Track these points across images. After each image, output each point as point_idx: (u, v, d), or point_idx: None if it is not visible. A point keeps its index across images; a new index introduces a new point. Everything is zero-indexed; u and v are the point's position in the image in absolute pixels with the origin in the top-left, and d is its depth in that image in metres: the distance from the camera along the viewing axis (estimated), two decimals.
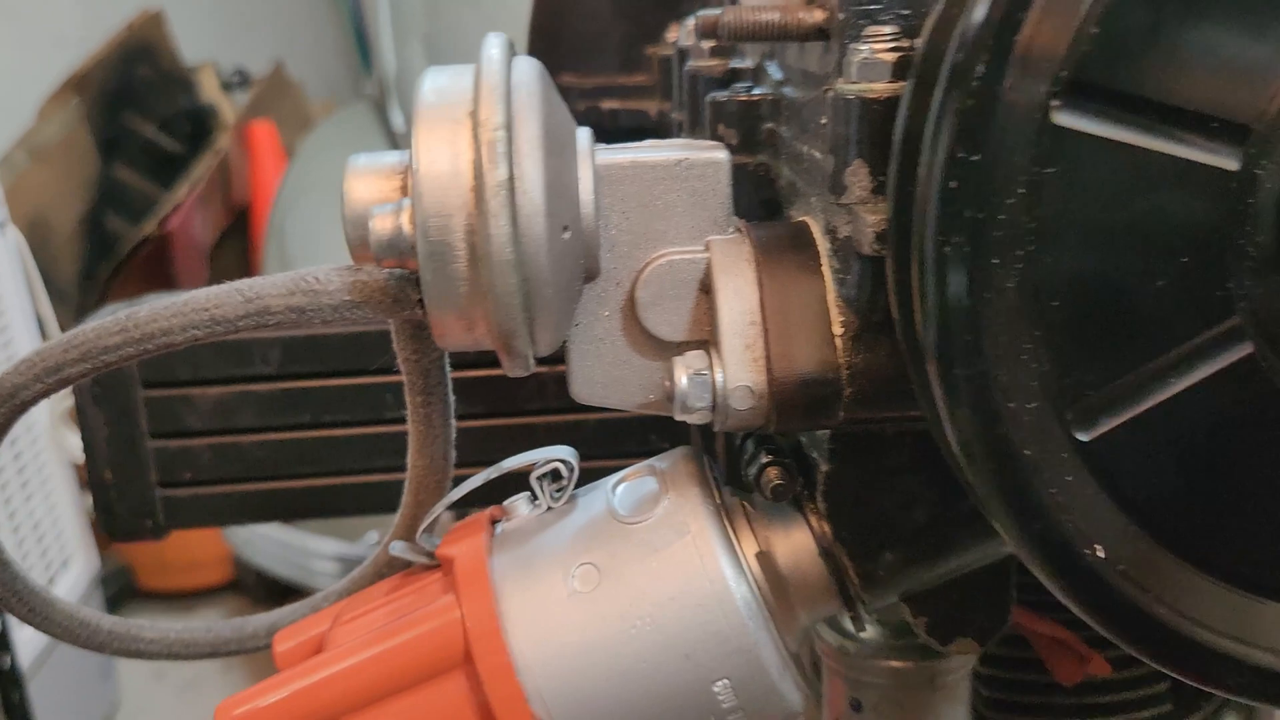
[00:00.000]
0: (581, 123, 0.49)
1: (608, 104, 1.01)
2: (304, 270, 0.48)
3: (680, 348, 0.50)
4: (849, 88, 0.43)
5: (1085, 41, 0.35)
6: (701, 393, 0.47)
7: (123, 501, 0.84)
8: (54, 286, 2.12)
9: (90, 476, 0.84)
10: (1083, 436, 0.38)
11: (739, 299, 0.47)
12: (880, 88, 0.43)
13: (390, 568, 0.59)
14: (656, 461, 0.54)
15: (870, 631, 0.63)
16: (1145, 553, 0.39)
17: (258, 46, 3.31)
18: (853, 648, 0.63)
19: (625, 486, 0.52)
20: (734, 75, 0.67)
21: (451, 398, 0.54)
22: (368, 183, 0.47)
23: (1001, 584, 0.53)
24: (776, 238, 0.49)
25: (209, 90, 2.98)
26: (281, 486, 0.85)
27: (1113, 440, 0.38)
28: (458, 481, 0.54)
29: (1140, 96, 0.35)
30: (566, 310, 0.47)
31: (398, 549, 0.55)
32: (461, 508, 0.54)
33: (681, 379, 0.48)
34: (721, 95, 0.59)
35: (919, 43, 0.42)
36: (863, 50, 0.43)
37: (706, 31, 0.50)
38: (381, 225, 0.45)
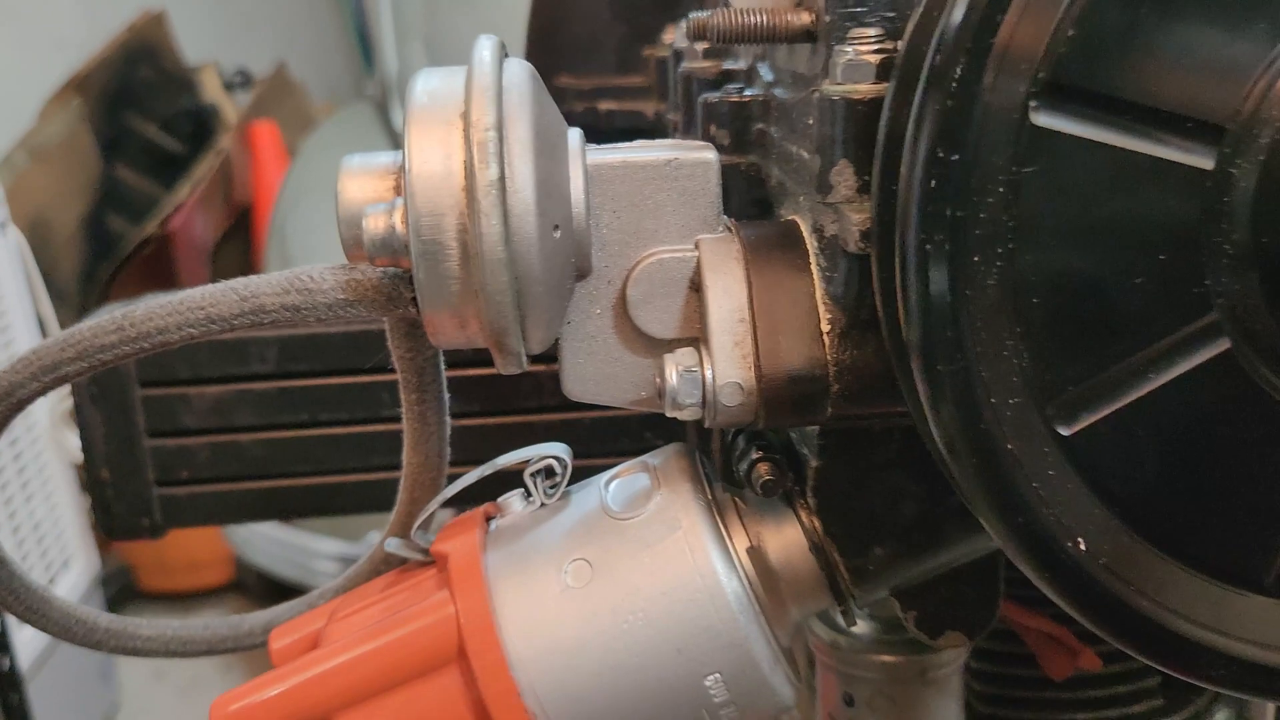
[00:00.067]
0: (578, 124, 0.50)
1: (605, 105, 1.01)
2: (299, 269, 0.49)
3: (671, 345, 0.50)
4: (834, 89, 0.44)
5: (1062, 43, 0.36)
6: (692, 389, 0.48)
7: (120, 500, 0.84)
8: (55, 287, 2.12)
9: (88, 475, 0.84)
10: (1064, 431, 0.39)
11: (728, 297, 0.48)
12: (865, 89, 0.43)
13: (386, 564, 0.59)
14: (649, 458, 0.54)
15: (861, 626, 0.63)
16: (1126, 546, 0.40)
17: (260, 47, 3.31)
18: (844, 642, 0.63)
19: (618, 483, 0.53)
20: (727, 77, 0.67)
21: (446, 395, 0.55)
22: (361, 183, 0.47)
23: (990, 579, 0.54)
24: (765, 236, 0.50)
25: (211, 90, 2.98)
26: (279, 485, 0.85)
27: (1093, 435, 0.39)
28: (453, 478, 0.54)
29: (1117, 97, 0.36)
30: (558, 308, 0.48)
31: (393, 545, 0.55)
32: (457, 505, 0.55)
33: (672, 376, 0.48)
34: (713, 96, 0.59)
35: (901, 44, 0.42)
36: (848, 52, 0.44)
37: (697, 33, 0.50)
38: (375, 224, 0.45)
